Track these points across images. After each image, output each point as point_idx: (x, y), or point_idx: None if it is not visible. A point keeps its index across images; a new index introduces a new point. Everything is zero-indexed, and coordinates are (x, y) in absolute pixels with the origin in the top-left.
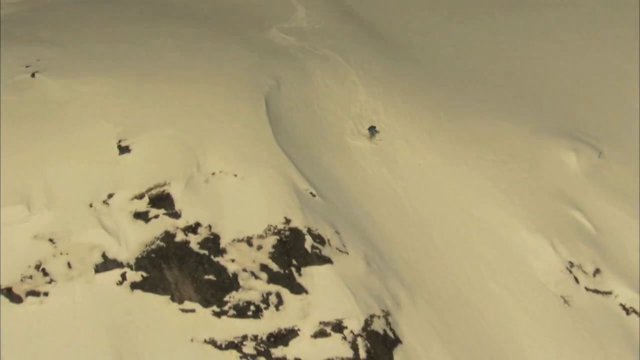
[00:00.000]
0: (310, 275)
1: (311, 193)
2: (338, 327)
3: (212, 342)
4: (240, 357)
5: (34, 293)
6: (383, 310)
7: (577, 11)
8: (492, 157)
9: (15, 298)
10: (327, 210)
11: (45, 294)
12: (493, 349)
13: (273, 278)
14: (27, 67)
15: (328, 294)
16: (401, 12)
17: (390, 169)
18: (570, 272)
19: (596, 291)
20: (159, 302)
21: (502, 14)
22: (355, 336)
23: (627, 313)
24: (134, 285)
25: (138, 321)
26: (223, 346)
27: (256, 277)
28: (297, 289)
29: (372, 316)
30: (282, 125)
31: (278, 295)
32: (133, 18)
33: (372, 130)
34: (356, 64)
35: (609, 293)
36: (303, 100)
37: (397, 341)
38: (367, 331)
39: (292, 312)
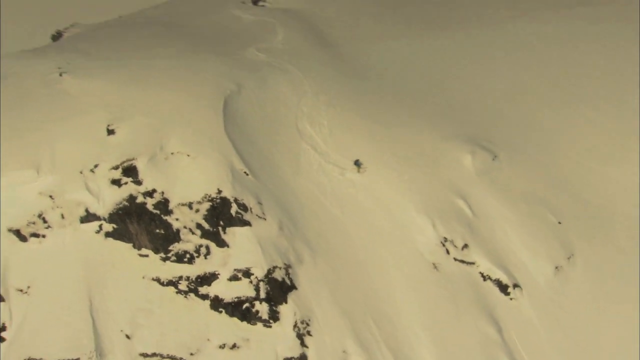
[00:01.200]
0: (232, 234)
1: (245, 172)
2: (247, 273)
3: (157, 280)
4: (176, 292)
5: (35, 235)
6: (285, 264)
7: (495, 35)
8: (403, 154)
9: (22, 237)
10: (256, 186)
11: (44, 236)
12: (371, 298)
13: (205, 234)
14: (59, 68)
15: (243, 248)
16: (365, 38)
17: (319, 159)
18: (444, 245)
19: (462, 261)
20: (124, 248)
21: (440, 35)
22: (259, 281)
23: (484, 279)
24: (107, 234)
25: (107, 261)
26: (165, 283)
27: (193, 233)
28: (221, 244)
29: (274, 267)
30: (236, 121)
31: (207, 248)
32: (145, 35)
33: (358, 163)
34: (310, 77)
35: (472, 263)
36: (260, 103)
37: (292, 287)
38: (269, 278)
39: (215, 260)
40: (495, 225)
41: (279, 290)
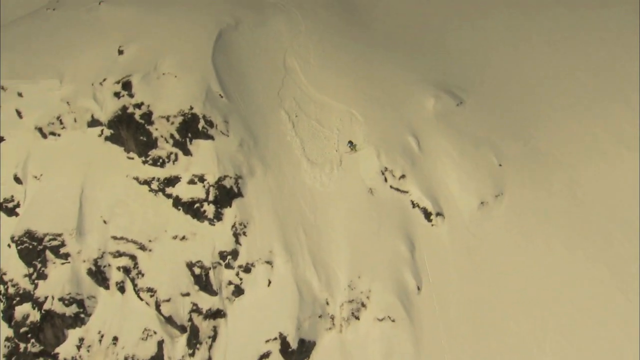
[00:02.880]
0: (197, 145)
1: (220, 95)
2: (201, 179)
3: (136, 179)
4: (149, 190)
5: (53, 133)
6: (236, 175)
7: None
8: (370, 93)
9: (43, 135)
10: (228, 107)
11: (59, 135)
12: (306, 212)
13: (175, 143)
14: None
15: (203, 158)
16: None
17: (297, 91)
18: (383, 174)
19: (397, 189)
20: (117, 151)
21: None
22: (210, 186)
23: (413, 207)
24: (106, 138)
25: (102, 160)
26: (141, 182)
27: (167, 142)
28: (187, 152)
29: (225, 176)
30: (226, 50)
31: (176, 155)
32: None
33: (351, 144)
34: (308, 19)
35: (405, 192)
36: (254, 38)
37: (239, 195)
38: (218, 184)
39: (180, 166)
40: (437, 161)
41: (226, 195)
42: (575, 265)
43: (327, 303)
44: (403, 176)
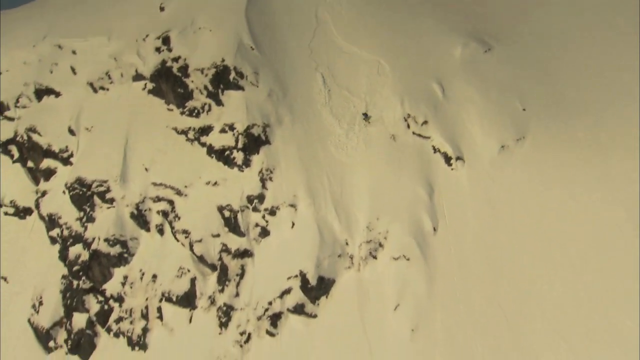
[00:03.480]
0: (228, 96)
1: (251, 47)
2: (231, 127)
3: (175, 129)
4: (186, 140)
5: (102, 88)
6: (264, 123)
7: None
8: (399, 43)
9: (94, 89)
10: (258, 59)
11: (108, 89)
12: (330, 159)
13: (209, 95)
14: None
15: (233, 107)
16: None
17: (327, 42)
18: (406, 120)
19: (419, 135)
20: (158, 103)
21: None
22: (239, 134)
23: (434, 152)
24: (149, 91)
25: (145, 112)
26: (179, 132)
27: (201, 93)
28: (219, 103)
29: (253, 124)
30: (259, 5)
31: (209, 106)
32: None
33: (365, 116)
34: None
35: (427, 137)
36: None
37: (266, 142)
38: (247, 132)
39: (213, 116)
40: (460, 107)
41: (254, 143)
42: (593, 208)
43: (347, 244)
44: (425, 122)
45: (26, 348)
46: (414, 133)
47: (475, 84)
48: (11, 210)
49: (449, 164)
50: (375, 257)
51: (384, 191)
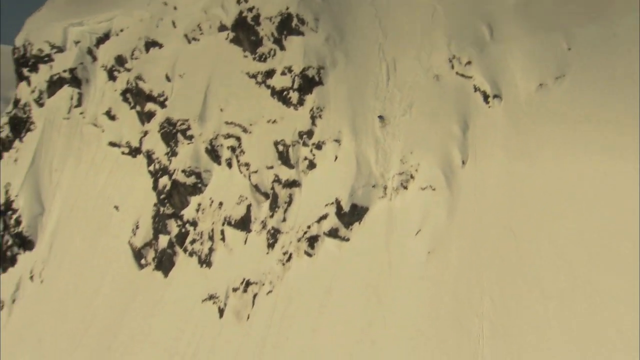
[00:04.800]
0: (290, 41)
1: None
2: (290, 69)
3: (247, 73)
4: (255, 83)
5: (194, 39)
6: (319, 66)
7: None
8: None
9: (188, 40)
10: (320, 7)
11: (198, 39)
12: (376, 99)
13: (275, 41)
14: None
15: (293, 51)
16: None
17: None
18: (451, 61)
19: (462, 75)
20: (237, 51)
21: None
22: (295, 75)
23: (474, 91)
24: (230, 40)
25: (227, 60)
26: (250, 76)
27: (269, 39)
28: (282, 48)
29: (309, 67)
30: None
31: (274, 51)
32: None
33: (381, 118)
34: None
35: (469, 77)
36: None
37: (320, 83)
38: (303, 74)
39: (277, 60)
40: (505, 47)
41: (308, 84)
42: (624, 150)
43: (382, 175)
44: (469, 62)
45: (126, 265)
46: (457, 73)
47: (523, 25)
48: (126, 150)
49: (487, 102)
50: (406, 188)
51: (420, 128)
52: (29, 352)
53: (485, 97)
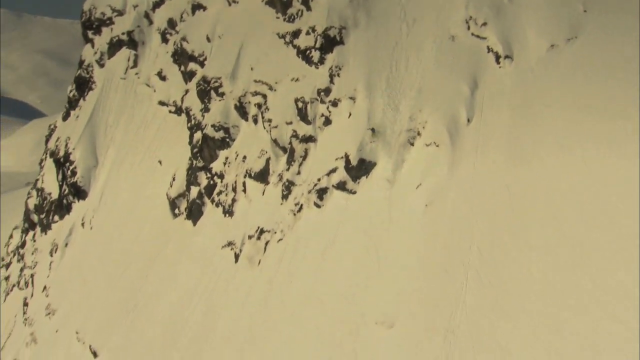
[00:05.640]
0: (316, 2)
1: None
2: (313, 29)
3: (278, 34)
4: (283, 43)
5: (234, 1)
6: (341, 26)
7: None
8: None
9: (228, 2)
10: None
11: (237, 2)
12: (392, 60)
13: (302, 2)
14: None
15: (318, 12)
16: None
17: None
18: (467, 22)
19: (477, 36)
20: (271, 12)
21: None
22: (318, 35)
23: (488, 51)
24: (265, 3)
25: (261, 21)
26: (280, 36)
27: (297, 1)
28: (309, 9)
29: (331, 27)
30: None
31: (302, 12)
32: None
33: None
34: None
35: (484, 38)
36: None
37: (340, 43)
38: (324, 34)
39: (303, 20)
40: (522, 9)
41: (329, 43)
42: (632, 112)
43: (391, 132)
44: (485, 24)
45: (162, 215)
46: (472, 34)
47: None
48: (172, 109)
49: (498, 63)
50: (412, 144)
51: (432, 87)
52: (75, 292)
53: (497, 58)
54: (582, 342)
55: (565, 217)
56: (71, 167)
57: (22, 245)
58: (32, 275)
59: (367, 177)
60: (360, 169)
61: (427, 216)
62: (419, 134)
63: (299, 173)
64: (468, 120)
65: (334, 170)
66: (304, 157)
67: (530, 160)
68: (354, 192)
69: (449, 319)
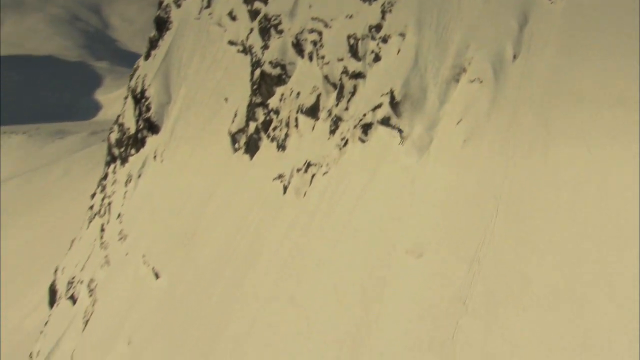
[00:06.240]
0: None
1: None
2: None
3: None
4: None
5: None
6: None
7: None
8: None
9: None
10: None
11: None
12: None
13: None
14: None
15: None
16: None
17: None
18: None
19: None
20: None
21: None
22: None
23: None
24: None
25: None
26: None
27: None
28: None
29: None
30: None
31: None
32: None
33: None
34: None
35: None
36: None
37: None
38: None
39: None
40: None
41: None
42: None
43: (437, 68)
44: None
45: (224, 149)
46: None
47: None
48: (240, 48)
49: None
50: (457, 81)
51: (481, 23)
52: (144, 219)
53: None
54: (599, 271)
55: (599, 155)
56: (146, 103)
57: (105, 177)
58: (109, 204)
59: (410, 113)
60: (404, 104)
61: (464, 151)
62: (464, 70)
63: (346, 109)
64: (514, 57)
65: (379, 106)
66: (353, 93)
67: (570, 99)
68: (397, 128)
69: (476, 249)
